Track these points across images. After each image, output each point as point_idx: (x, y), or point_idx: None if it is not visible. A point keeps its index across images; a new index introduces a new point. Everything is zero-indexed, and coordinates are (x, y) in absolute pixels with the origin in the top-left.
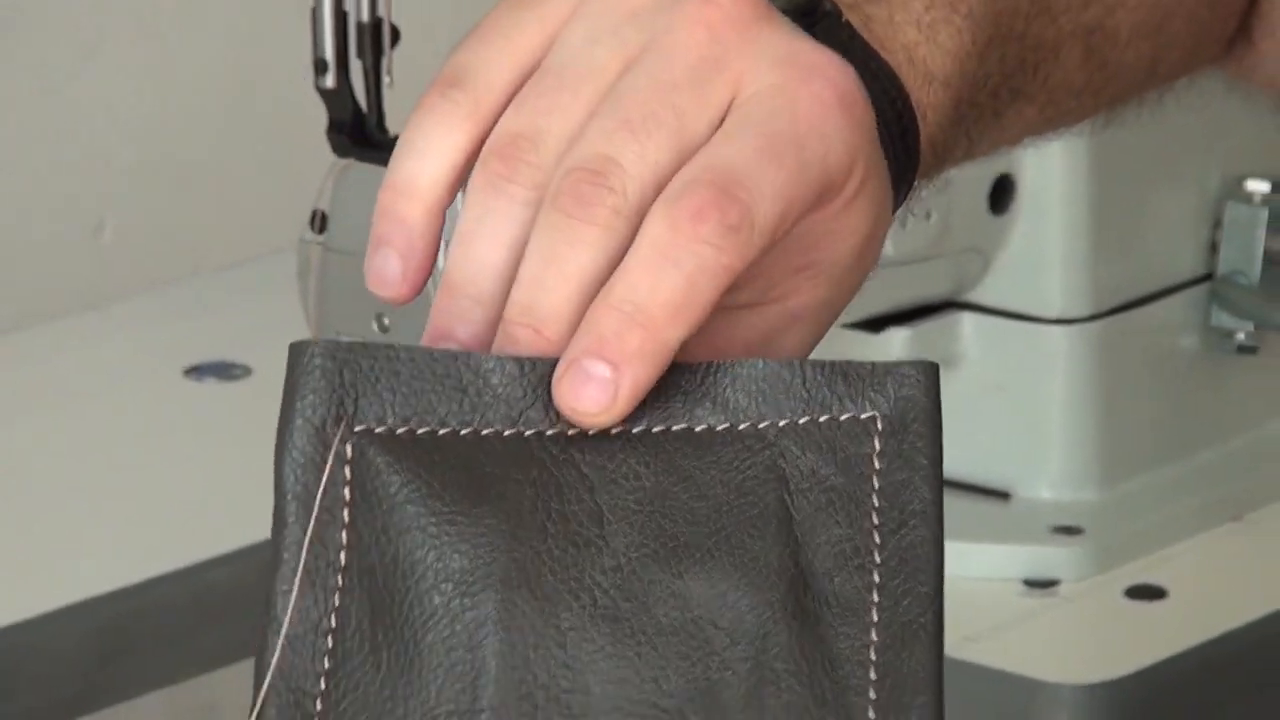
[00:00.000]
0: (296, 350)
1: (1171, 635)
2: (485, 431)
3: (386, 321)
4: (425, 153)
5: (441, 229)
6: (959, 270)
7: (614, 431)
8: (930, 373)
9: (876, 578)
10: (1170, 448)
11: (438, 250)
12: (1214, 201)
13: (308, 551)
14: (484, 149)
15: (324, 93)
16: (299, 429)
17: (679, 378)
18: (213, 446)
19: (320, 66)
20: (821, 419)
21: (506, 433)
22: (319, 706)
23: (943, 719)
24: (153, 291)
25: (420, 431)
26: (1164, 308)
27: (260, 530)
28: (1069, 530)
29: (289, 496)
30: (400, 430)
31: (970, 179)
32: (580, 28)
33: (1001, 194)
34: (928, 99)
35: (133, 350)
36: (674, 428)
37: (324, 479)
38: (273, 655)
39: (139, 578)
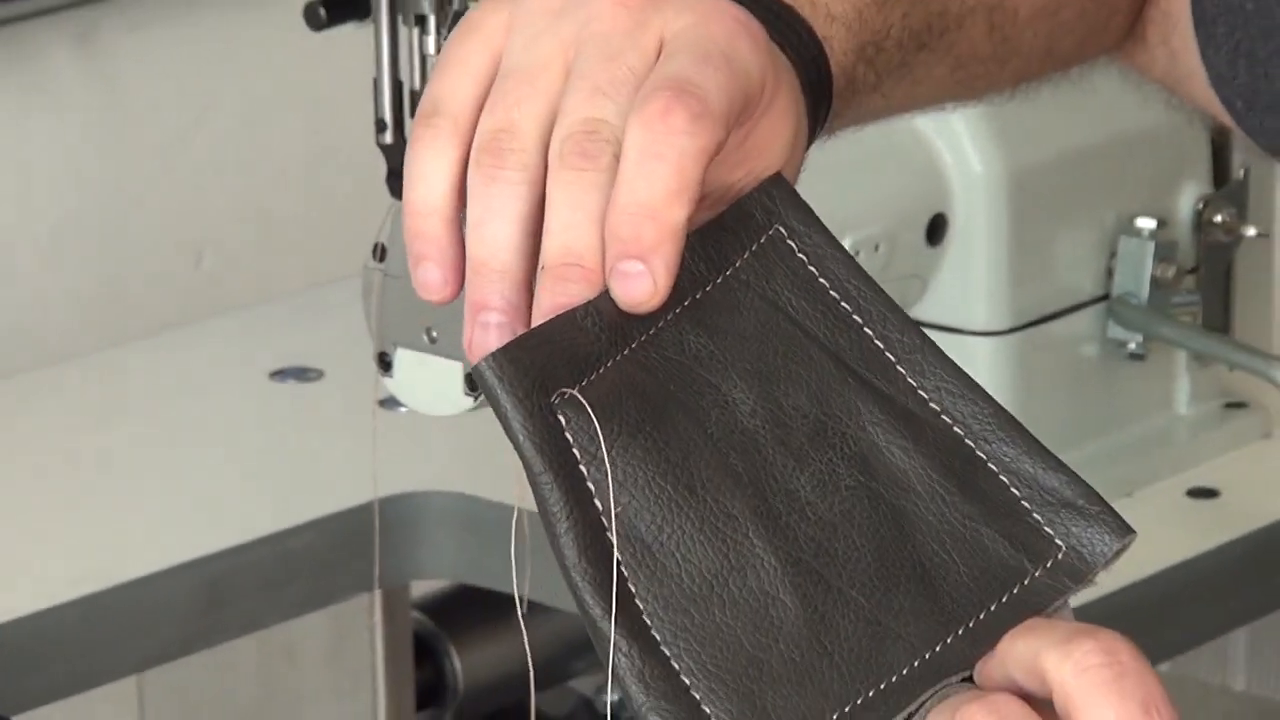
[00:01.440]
0: (479, 371)
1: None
2: (610, 361)
3: (435, 334)
4: (427, 177)
5: (462, 234)
6: (902, 292)
7: (668, 318)
8: (776, 182)
9: (869, 331)
10: (1074, 436)
11: (464, 252)
12: (1110, 235)
13: (567, 502)
14: (472, 152)
15: (383, 147)
16: (517, 423)
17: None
18: (293, 435)
19: (380, 126)
20: (760, 242)
21: (623, 354)
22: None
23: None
24: (243, 310)
25: (584, 382)
26: (1069, 322)
27: (331, 503)
28: None
29: (538, 471)
30: (580, 384)
31: (911, 218)
32: (518, 37)
33: (936, 229)
34: (830, 32)
35: (227, 358)
36: (696, 296)
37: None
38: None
39: (234, 541)
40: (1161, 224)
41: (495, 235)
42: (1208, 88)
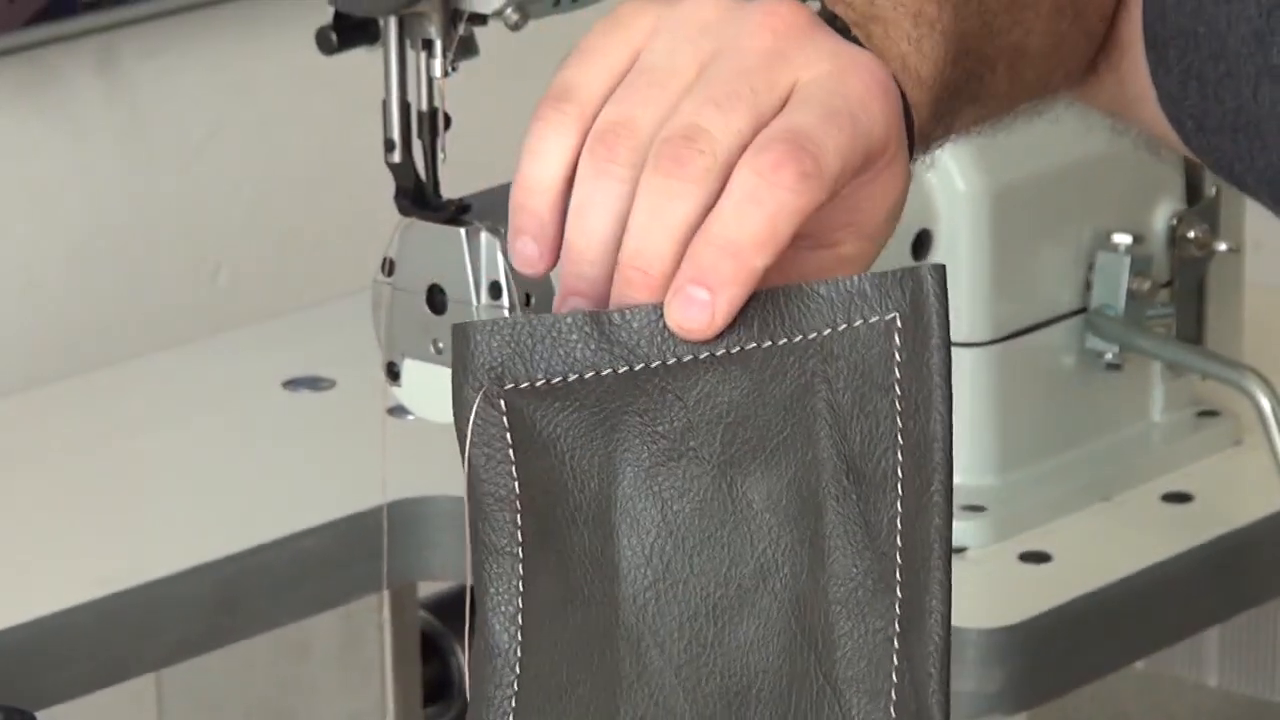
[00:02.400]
0: (460, 330)
1: (1055, 591)
2: (604, 372)
3: (440, 345)
4: (544, 155)
5: (565, 215)
6: None
7: (702, 356)
8: (939, 274)
9: (900, 456)
10: (1054, 443)
11: (562, 231)
12: (1088, 250)
13: (486, 481)
14: (589, 137)
15: (392, 166)
16: (467, 395)
17: (752, 302)
18: (305, 442)
19: (389, 145)
20: (855, 324)
21: (620, 370)
22: (522, 570)
23: (950, 577)
24: (257, 322)
25: (555, 381)
26: (1048, 334)
27: (342, 506)
28: (974, 508)
29: (470, 444)
30: (539, 383)
31: (896, 234)
32: (661, 40)
33: (921, 245)
34: (918, 97)
35: (242, 368)
36: (747, 347)
37: (486, 427)
38: (475, 530)
39: (249, 544)
40: (1137, 239)
41: (594, 227)
42: (1156, 109)
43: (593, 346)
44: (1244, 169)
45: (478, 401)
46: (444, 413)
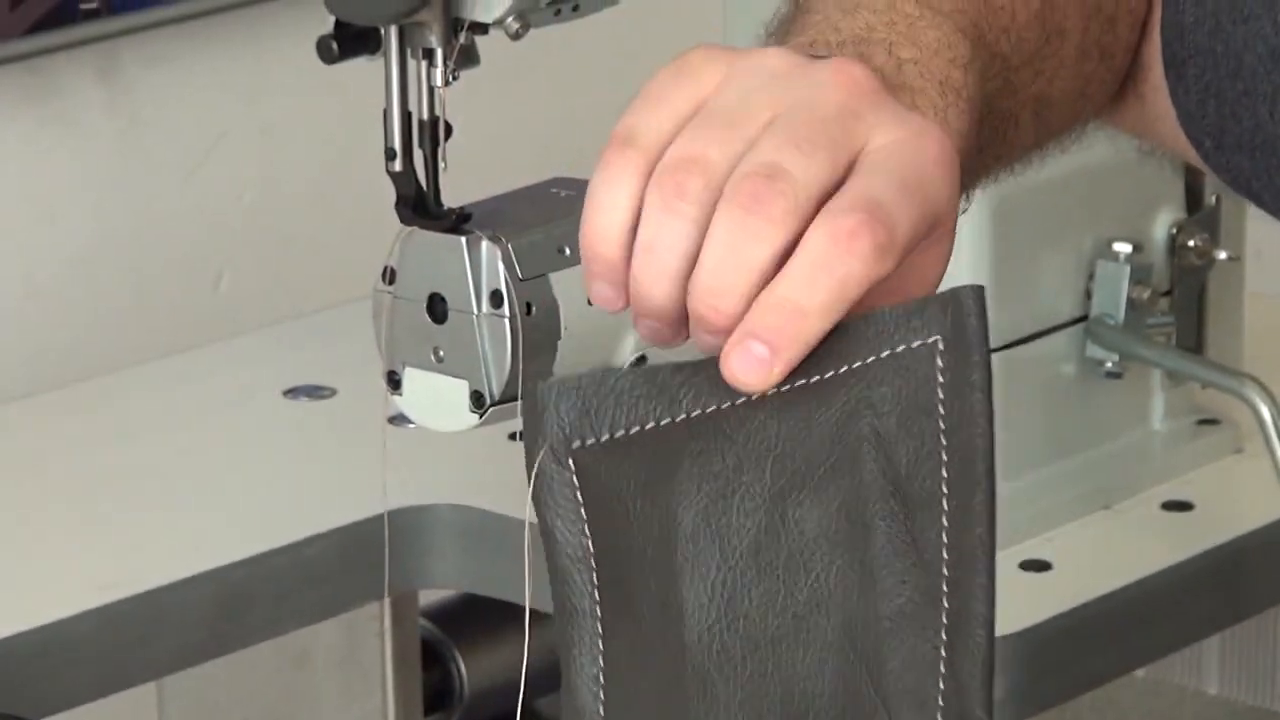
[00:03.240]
0: (531, 394)
1: (1055, 599)
2: (663, 422)
3: (441, 353)
4: (611, 204)
5: (631, 253)
6: None
7: (754, 398)
8: (978, 295)
9: (945, 473)
10: (1055, 451)
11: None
12: (1088, 259)
13: (563, 544)
14: (657, 169)
15: (393, 175)
16: (543, 461)
17: None
18: (306, 451)
19: (390, 154)
20: (899, 349)
21: (678, 419)
22: (601, 629)
23: (994, 584)
24: (259, 330)
25: (618, 435)
26: (1049, 342)
27: (343, 515)
28: None
29: (545, 508)
30: (604, 439)
31: None
32: (733, 86)
33: None
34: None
35: (243, 376)
36: (796, 384)
37: (559, 489)
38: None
39: (250, 552)
40: (1137, 248)
41: (661, 266)
42: (1177, 128)
43: (651, 399)
44: (1261, 187)
45: (551, 465)
46: (444, 421)
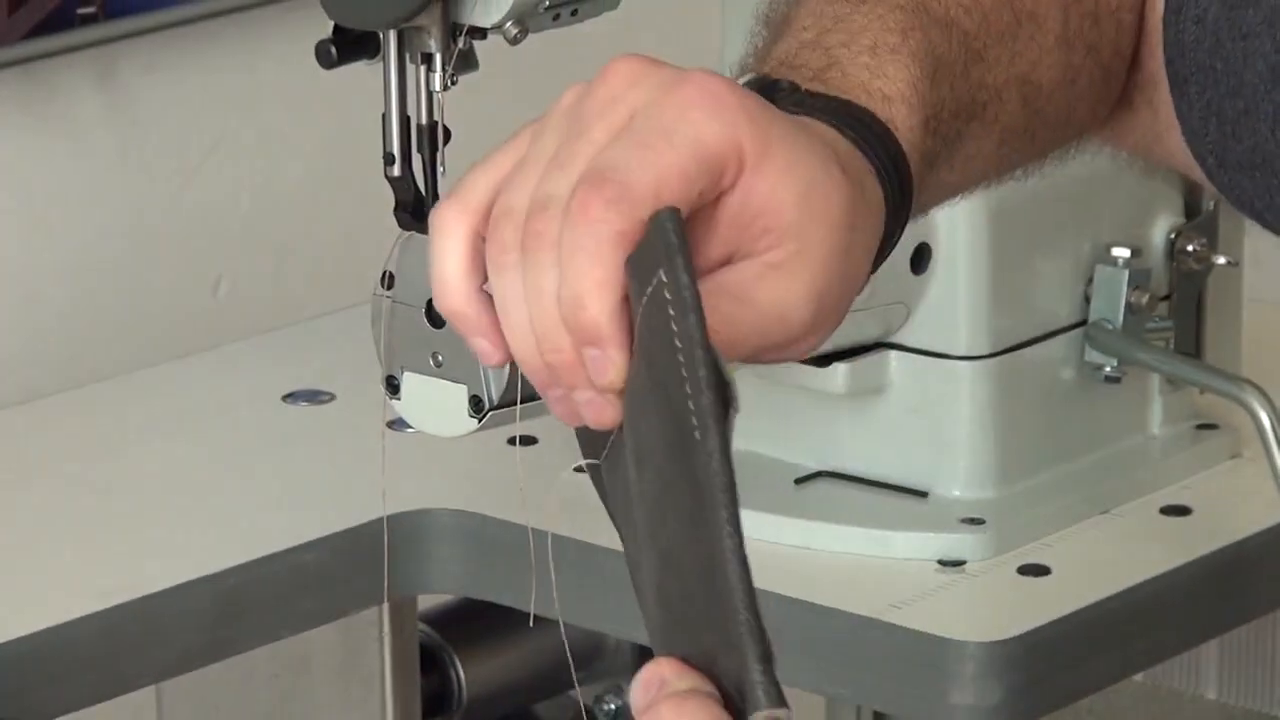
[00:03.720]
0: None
1: (1053, 604)
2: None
3: (440, 358)
4: (441, 256)
5: (483, 298)
6: (887, 318)
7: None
8: (671, 215)
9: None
10: (1053, 456)
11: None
12: (1087, 264)
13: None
14: (473, 215)
15: (392, 180)
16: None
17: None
18: (305, 455)
19: (389, 159)
20: (648, 291)
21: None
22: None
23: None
24: (258, 335)
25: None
26: (1048, 347)
27: (342, 520)
28: (974, 521)
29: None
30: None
31: (896, 247)
32: (539, 137)
33: (920, 258)
34: (891, 113)
35: (242, 380)
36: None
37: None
38: None
39: (249, 557)
40: (1136, 253)
41: (516, 320)
42: (1183, 142)
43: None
44: (1264, 206)
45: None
46: (443, 426)
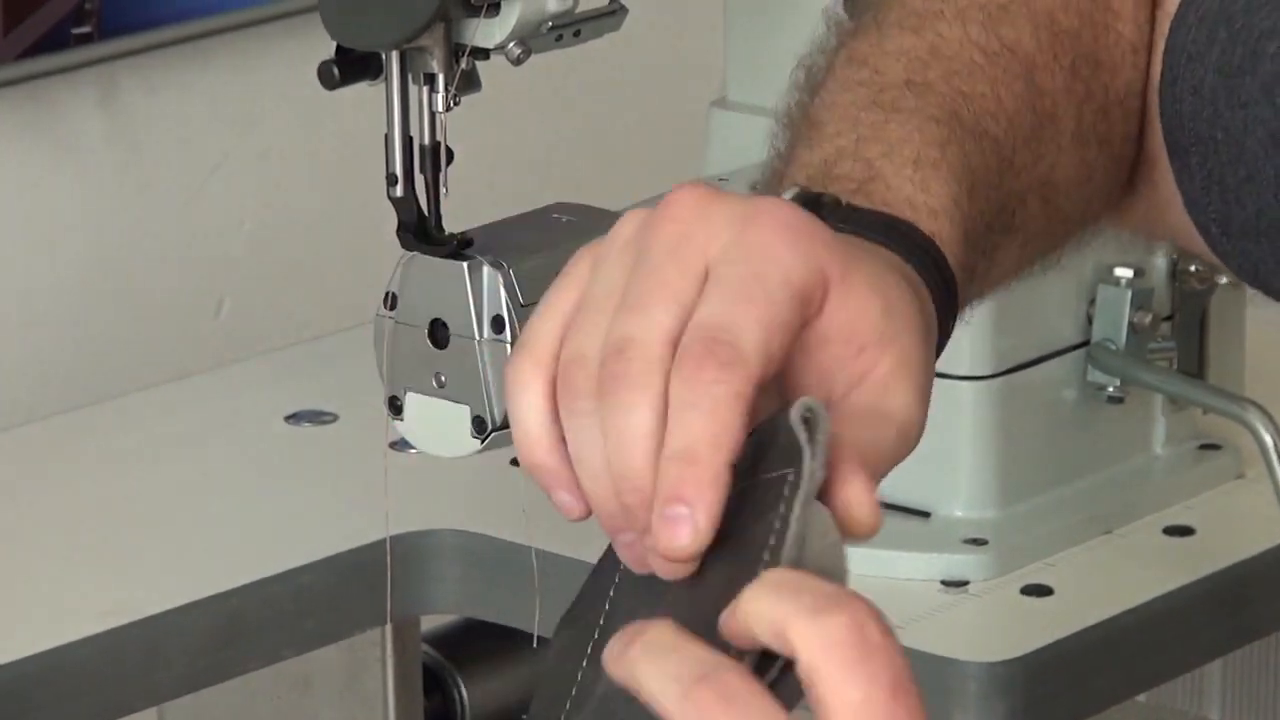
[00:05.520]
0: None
1: (1057, 624)
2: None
3: (443, 379)
4: (519, 411)
5: (564, 450)
6: None
7: None
8: (806, 412)
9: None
10: (1056, 476)
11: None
12: (1089, 284)
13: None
14: (558, 385)
15: (394, 200)
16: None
17: None
18: (308, 476)
19: (391, 180)
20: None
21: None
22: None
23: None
24: (260, 356)
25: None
26: (1050, 367)
27: (345, 540)
28: (976, 541)
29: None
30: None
31: None
32: (598, 273)
33: None
34: (936, 227)
35: (244, 401)
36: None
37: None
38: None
39: (252, 577)
40: (1139, 273)
41: (593, 468)
42: (1183, 214)
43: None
44: (1269, 272)
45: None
46: (446, 446)
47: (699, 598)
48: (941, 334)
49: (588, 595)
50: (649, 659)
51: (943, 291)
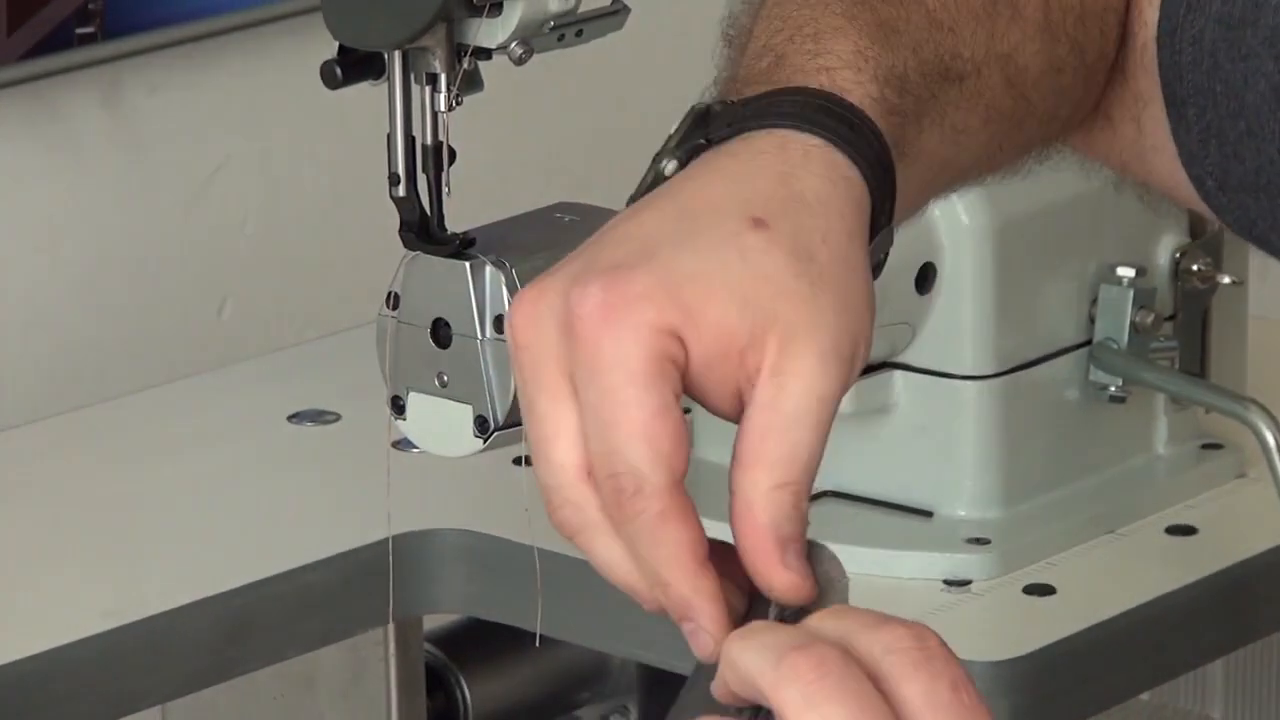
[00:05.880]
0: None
1: (1059, 623)
2: None
3: (446, 378)
4: (610, 567)
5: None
6: (892, 338)
7: None
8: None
9: None
10: (1058, 476)
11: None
12: (1091, 284)
13: None
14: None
15: (397, 200)
16: None
17: None
18: (310, 476)
19: (394, 179)
20: None
21: None
22: None
23: None
24: (263, 356)
25: None
26: (1052, 367)
27: (347, 540)
28: (979, 541)
29: None
30: None
31: (901, 267)
32: (588, 393)
33: (925, 278)
34: (833, 81)
35: (247, 401)
36: None
37: None
38: None
39: (255, 577)
40: (1140, 273)
41: (667, 575)
42: (1174, 164)
43: None
44: (1266, 228)
45: None
46: (449, 446)
47: None
48: (882, 185)
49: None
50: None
51: (849, 136)
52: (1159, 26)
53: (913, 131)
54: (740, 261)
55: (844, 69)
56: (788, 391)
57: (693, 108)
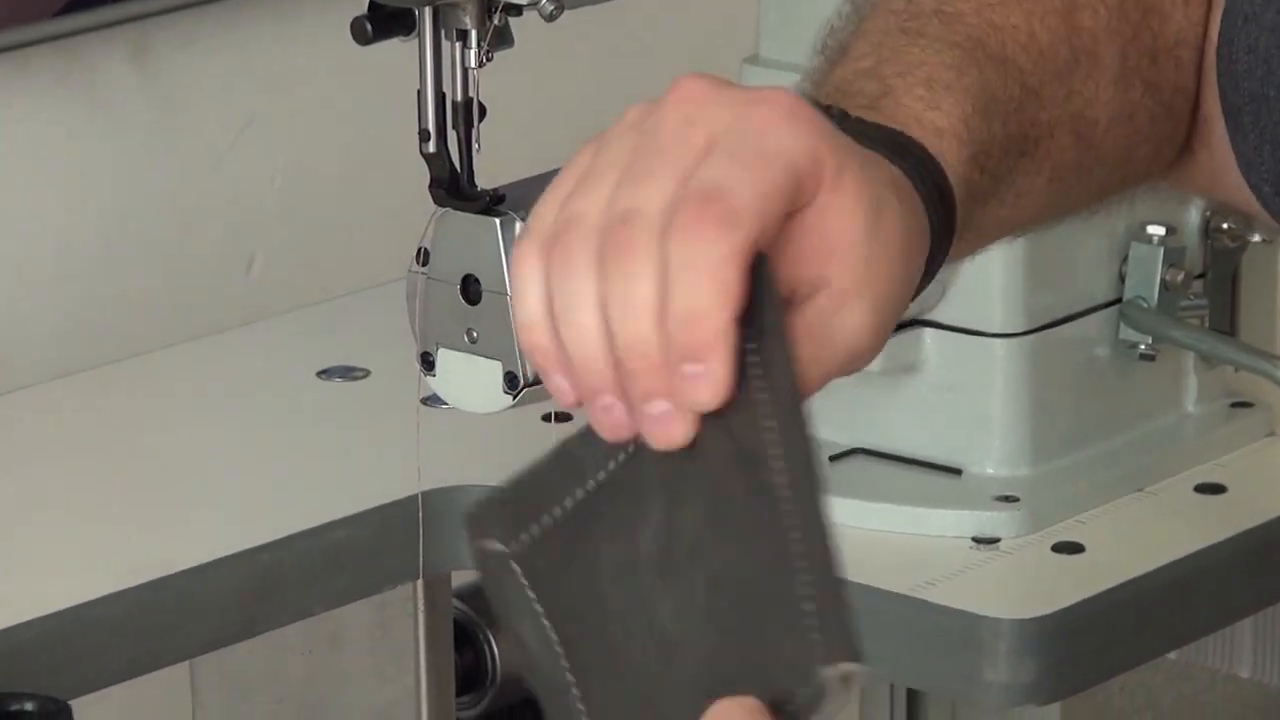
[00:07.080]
0: (466, 523)
1: (1088, 581)
2: (579, 494)
3: (475, 334)
4: (523, 291)
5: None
6: (921, 296)
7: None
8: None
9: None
10: (1087, 434)
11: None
12: (1122, 242)
13: (529, 639)
14: (546, 247)
15: (427, 156)
16: (483, 572)
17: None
18: (339, 432)
19: (424, 135)
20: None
21: (600, 477)
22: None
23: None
24: (292, 312)
25: (545, 523)
26: (1082, 324)
27: (376, 496)
28: (1008, 499)
29: (498, 606)
30: (523, 536)
31: None
32: (600, 154)
33: None
34: (941, 147)
35: (276, 357)
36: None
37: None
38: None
39: (284, 533)
40: (1171, 231)
41: (581, 323)
42: (1239, 178)
43: (566, 476)
44: None
45: (489, 575)
46: (478, 402)
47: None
48: (938, 251)
49: (545, 484)
50: None
51: (939, 207)
52: (1219, 37)
53: (979, 210)
54: (885, 203)
55: (950, 137)
56: (838, 327)
57: (809, 100)
